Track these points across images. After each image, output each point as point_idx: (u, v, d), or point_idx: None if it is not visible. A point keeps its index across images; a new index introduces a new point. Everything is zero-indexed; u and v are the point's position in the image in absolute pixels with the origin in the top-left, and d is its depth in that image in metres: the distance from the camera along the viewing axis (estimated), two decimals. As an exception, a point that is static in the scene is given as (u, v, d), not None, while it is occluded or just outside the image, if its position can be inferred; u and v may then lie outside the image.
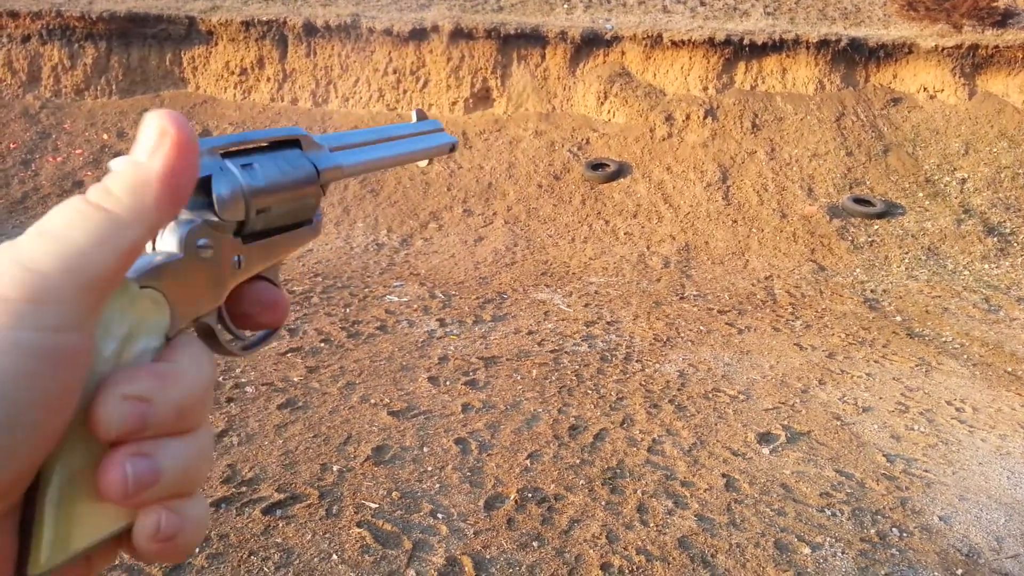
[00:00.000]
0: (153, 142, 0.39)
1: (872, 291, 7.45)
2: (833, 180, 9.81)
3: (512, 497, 3.26)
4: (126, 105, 10.92)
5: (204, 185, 0.47)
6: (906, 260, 8.36)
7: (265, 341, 0.56)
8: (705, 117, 10.61)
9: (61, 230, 0.38)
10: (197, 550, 2.73)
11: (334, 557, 2.77)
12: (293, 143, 0.53)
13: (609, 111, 10.91)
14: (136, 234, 0.39)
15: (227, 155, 0.49)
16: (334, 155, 0.56)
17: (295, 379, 4.48)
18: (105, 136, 10.38)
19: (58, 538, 0.41)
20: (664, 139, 10.47)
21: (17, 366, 0.36)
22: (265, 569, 2.67)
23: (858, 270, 8.12)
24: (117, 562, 2.62)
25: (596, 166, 9.98)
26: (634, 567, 2.81)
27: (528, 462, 3.60)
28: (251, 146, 0.51)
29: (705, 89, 10.97)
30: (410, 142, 0.66)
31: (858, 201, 9.30)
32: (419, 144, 0.67)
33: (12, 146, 9.97)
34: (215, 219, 0.47)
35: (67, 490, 0.40)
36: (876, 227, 9.00)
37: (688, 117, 10.63)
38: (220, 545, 2.78)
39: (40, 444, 0.38)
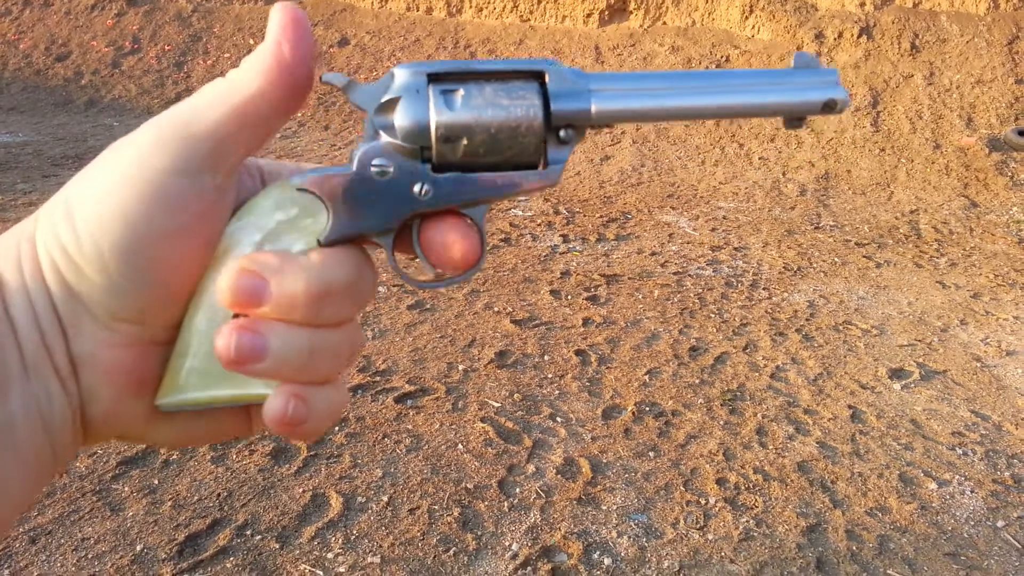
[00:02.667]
0: (277, 27, 0.44)
1: (1031, 232, 6.86)
2: (997, 110, 8.94)
3: (630, 409, 3.32)
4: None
5: (392, 106, 0.47)
6: (1075, 201, 7.61)
7: (442, 284, 0.53)
8: (859, 36, 9.84)
9: (196, 94, 0.45)
10: (336, 428, 2.96)
11: (460, 447, 2.94)
12: (532, 75, 0.50)
13: (753, 26, 10.31)
14: (245, 96, 0.43)
15: (437, 78, 0.48)
16: (589, 95, 0.49)
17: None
18: (251, 41, 10.81)
19: (181, 383, 0.45)
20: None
21: (129, 202, 0.42)
22: (397, 451, 2.88)
23: (1015, 208, 7.47)
24: (266, 434, 2.89)
25: (734, 86, 9.51)
26: (750, 484, 2.84)
27: (647, 378, 3.64)
28: (472, 72, 0.49)
29: (862, 5, 10.14)
30: (742, 92, 0.51)
31: (1023, 134, 8.47)
32: (757, 95, 0.51)
33: (167, 48, 10.56)
34: (398, 142, 0.47)
35: (203, 344, 0.44)
36: (1043, 163, 8.20)
37: (840, 35, 9.90)
38: (357, 426, 3.01)
39: (163, 280, 0.43)
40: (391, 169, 0.48)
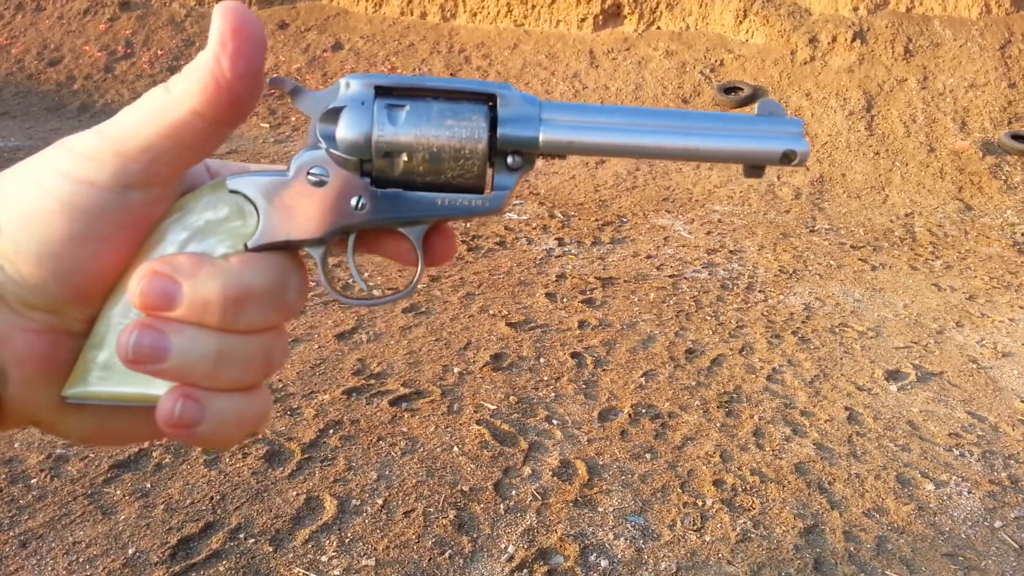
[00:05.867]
0: (216, 39, 0.40)
1: (1023, 235, 6.88)
2: (990, 114, 8.98)
3: (626, 411, 3.31)
4: (264, 16, 11.27)
5: (336, 115, 0.46)
6: (1069, 204, 7.63)
7: (372, 302, 0.53)
8: (853, 40, 9.88)
9: (136, 103, 0.43)
10: (331, 431, 2.94)
11: (455, 449, 2.92)
12: (484, 98, 0.49)
13: (748, 31, 10.34)
14: (180, 115, 0.41)
15: (385, 92, 0.47)
16: (539, 124, 0.48)
17: (418, 286, 4.65)
18: (246, 47, 10.79)
19: (90, 376, 0.44)
20: (806, 62, 9.86)
21: (53, 209, 0.41)
22: (392, 454, 2.86)
23: (1009, 212, 7.49)
24: (260, 437, 2.87)
25: (729, 89, 9.55)
26: (747, 486, 2.82)
27: (643, 380, 3.62)
28: (422, 88, 0.48)
29: (855, 9, 10.18)
30: (699, 135, 0.50)
31: (1017, 137, 8.48)
32: (714, 140, 0.50)
33: (160, 53, 10.54)
34: (339, 153, 0.46)
35: (111, 339, 0.43)
36: (1036, 166, 8.23)
37: (834, 39, 9.93)
38: (352, 429, 2.98)
39: (76, 282, 0.42)
40: (329, 179, 0.47)
